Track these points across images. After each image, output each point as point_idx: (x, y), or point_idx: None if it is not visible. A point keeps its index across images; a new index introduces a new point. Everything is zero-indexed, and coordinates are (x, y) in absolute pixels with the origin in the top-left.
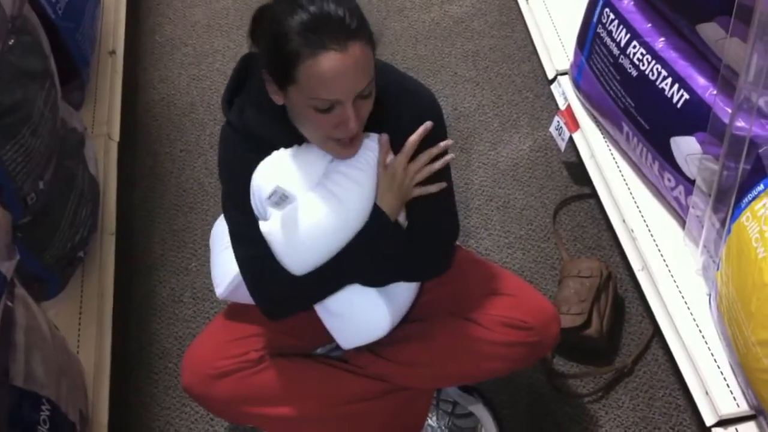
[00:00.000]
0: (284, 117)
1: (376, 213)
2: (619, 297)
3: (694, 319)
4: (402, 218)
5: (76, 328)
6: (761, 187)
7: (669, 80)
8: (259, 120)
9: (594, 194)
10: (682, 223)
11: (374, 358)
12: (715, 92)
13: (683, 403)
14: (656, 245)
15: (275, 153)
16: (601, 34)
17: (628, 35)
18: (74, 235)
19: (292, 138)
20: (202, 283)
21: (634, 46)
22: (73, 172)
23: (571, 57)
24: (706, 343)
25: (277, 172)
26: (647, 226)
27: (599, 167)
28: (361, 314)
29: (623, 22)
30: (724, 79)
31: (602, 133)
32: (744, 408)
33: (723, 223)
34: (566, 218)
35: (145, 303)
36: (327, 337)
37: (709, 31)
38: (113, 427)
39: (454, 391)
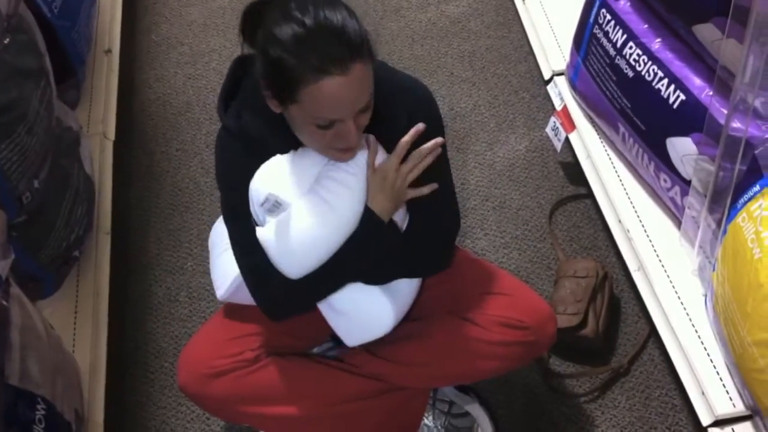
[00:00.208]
0: (282, 122)
1: (367, 215)
2: (615, 297)
3: (690, 320)
4: (400, 218)
5: (71, 328)
6: (757, 188)
7: (665, 81)
8: (256, 125)
9: (590, 194)
10: (678, 223)
11: (370, 357)
12: (711, 93)
13: (679, 403)
14: (652, 246)
15: (272, 159)
16: (598, 35)
17: (625, 36)
18: (69, 234)
19: (290, 142)
20: (198, 282)
21: (631, 47)
22: (69, 171)
23: (568, 57)
24: (702, 343)
25: (270, 178)
26: (643, 226)
27: (595, 168)
28: (364, 311)
29: (620, 22)
30: (720, 80)
31: (598, 134)
32: (740, 408)
33: (719, 223)
34: (562, 218)
35: (141, 302)
36: (323, 337)
37: (706, 32)
38: (109, 426)
39: (451, 390)
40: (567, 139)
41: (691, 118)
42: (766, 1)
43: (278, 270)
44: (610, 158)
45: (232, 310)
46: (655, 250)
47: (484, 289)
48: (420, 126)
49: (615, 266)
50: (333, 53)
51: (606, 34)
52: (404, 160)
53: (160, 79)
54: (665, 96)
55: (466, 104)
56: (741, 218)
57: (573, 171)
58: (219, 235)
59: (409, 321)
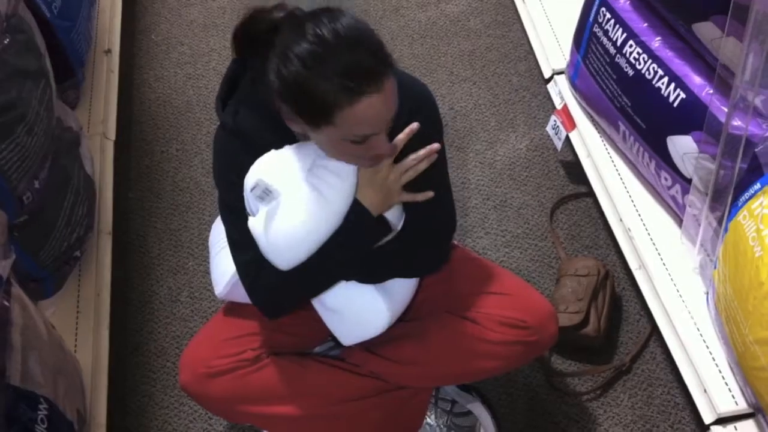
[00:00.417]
0: (278, 118)
1: (354, 207)
2: (617, 295)
3: (692, 318)
4: (396, 218)
5: (73, 328)
6: (758, 185)
7: (665, 79)
8: (252, 121)
9: (591, 193)
10: (679, 221)
11: (371, 356)
12: (711, 91)
13: (682, 401)
14: (653, 244)
15: (268, 153)
16: (598, 34)
17: (625, 34)
18: (70, 234)
19: (287, 138)
20: (199, 282)
21: (631, 46)
22: (69, 171)
23: (568, 56)
24: (704, 341)
25: (262, 167)
26: (644, 224)
27: (596, 166)
28: (359, 310)
29: (619, 21)
30: (720, 78)
31: (599, 133)
32: (742, 406)
33: (720, 221)
34: (563, 217)
35: (143, 302)
36: (324, 336)
37: (705, 31)
38: (111, 426)
39: (453, 389)
40: (567, 138)
41: (692, 117)
42: None
43: (271, 265)
44: (610, 157)
45: (232, 310)
46: (656, 249)
47: (485, 288)
48: (414, 125)
49: (616, 264)
50: (368, 74)
51: (606, 32)
52: (399, 158)
53: (160, 79)
54: (665, 94)
55: (467, 103)
56: (742, 216)
57: (574, 170)
58: (218, 233)
59: (410, 320)
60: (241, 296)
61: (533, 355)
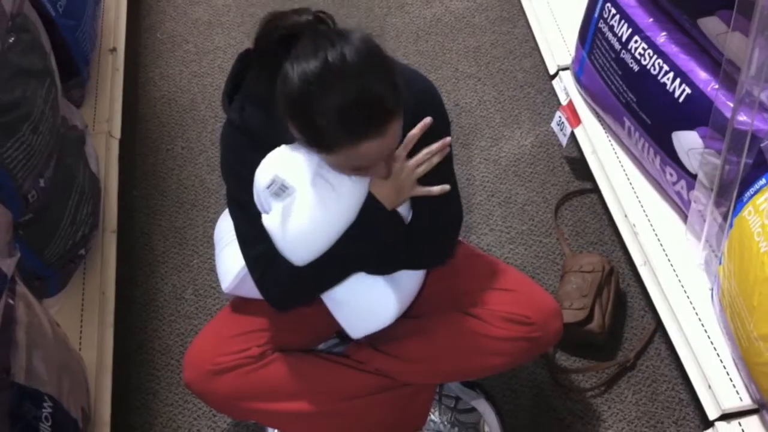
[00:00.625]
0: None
1: (369, 201)
2: (622, 292)
3: (697, 314)
4: (405, 211)
5: (78, 326)
6: (763, 181)
7: (670, 75)
8: (259, 118)
9: (596, 189)
10: (684, 217)
11: (375, 353)
12: (716, 86)
13: (686, 398)
14: (658, 240)
15: (277, 149)
16: (603, 29)
17: (630, 30)
18: (75, 232)
19: (293, 136)
20: (204, 279)
21: (636, 41)
22: (74, 169)
23: (573, 52)
24: (708, 337)
25: (275, 163)
26: (649, 220)
27: (601, 162)
28: (367, 301)
29: (624, 16)
30: (726, 73)
31: (604, 128)
32: (747, 402)
33: (725, 217)
34: (568, 213)
35: (147, 300)
36: (329, 333)
37: (711, 26)
38: (115, 423)
39: (457, 386)
40: (572, 134)
41: (697, 112)
42: None
43: (283, 260)
44: (615, 153)
45: (237, 307)
46: (661, 245)
47: (489, 284)
48: (427, 120)
49: (621, 261)
50: (372, 120)
51: (611, 28)
52: (411, 154)
53: (166, 77)
54: (671, 90)
55: (471, 100)
56: (747, 211)
57: (578, 166)
58: (223, 230)
59: (415, 317)
60: (248, 291)
61: (538, 352)
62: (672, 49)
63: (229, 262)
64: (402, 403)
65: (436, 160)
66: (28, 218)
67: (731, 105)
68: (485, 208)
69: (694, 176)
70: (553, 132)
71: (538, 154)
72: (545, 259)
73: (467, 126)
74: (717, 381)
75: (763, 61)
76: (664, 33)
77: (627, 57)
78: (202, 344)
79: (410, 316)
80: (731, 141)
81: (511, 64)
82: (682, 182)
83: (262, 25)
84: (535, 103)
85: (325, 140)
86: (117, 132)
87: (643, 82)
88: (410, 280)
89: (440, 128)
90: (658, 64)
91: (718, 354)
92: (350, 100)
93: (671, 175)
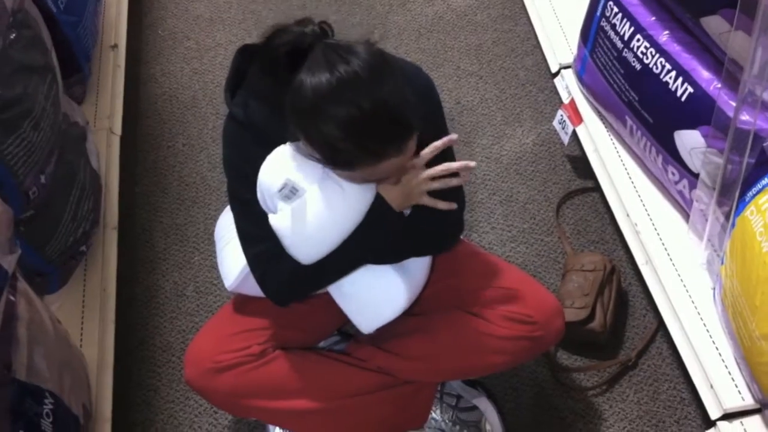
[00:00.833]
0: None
1: (378, 202)
2: (623, 291)
3: (699, 313)
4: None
5: (79, 322)
6: (765, 180)
7: (673, 73)
8: (263, 114)
9: (597, 188)
10: (686, 216)
11: (376, 351)
12: (719, 85)
13: (688, 397)
14: (660, 239)
15: (280, 148)
16: (605, 28)
17: (632, 28)
18: (76, 229)
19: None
20: (205, 276)
21: (638, 40)
22: (75, 166)
23: (575, 50)
24: (710, 336)
25: (284, 165)
26: (651, 219)
27: (603, 161)
28: (376, 291)
29: (627, 15)
30: (729, 72)
31: (606, 127)
32: (749, 401)
33: (727, 216)
34: (570, 212)
35: (148, 297)
36: (330, 331)
37: (713, 24)
38: (116, 420)
39: (458, 384)
40: (574, 133)
41: (699, 111)
42: None
43: (286, 257)
44: (617, 151)
45: (238, 305)
46: (663, 244)
47: (490, 283)
48: (453, 136)
49: (623, 260)
50: (393, 142)
51: (613, 26)
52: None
53: (167, 74)
54: (673, 89)
55: (473, 98)
56: (749, 211)
57: (580, 164)
58: (224, 227)
59: (417, 315)
60: (252, 289)
61: (539, 351)
62: (674, 48)
63: (232, 261)
64: (403, 401)
65: (454, 183)
66: (29, 215)
67: (734, 104)
68: (486, 206)
69: (697, 175)
70: (555, 130)
71: (539, 152)
72: (547, 258)
73: (469, 124)
74: (719, 380)
75: (766, 61)
76: (666, 32)
77: (629, 56)
78: (202, 342)
79: (412, 314)
80: (734, 140)
81: (513, 62)
82: (684, 181)
83: (265, 40)
84: (536, 101)
85: (343, 159)
86: (118, 128)
87: (645, 81)
88: (418, 268)
89: (440, 122)
90: (661, 62)
91: (720, 353)
92: (374, 125)
93: (673, 174)
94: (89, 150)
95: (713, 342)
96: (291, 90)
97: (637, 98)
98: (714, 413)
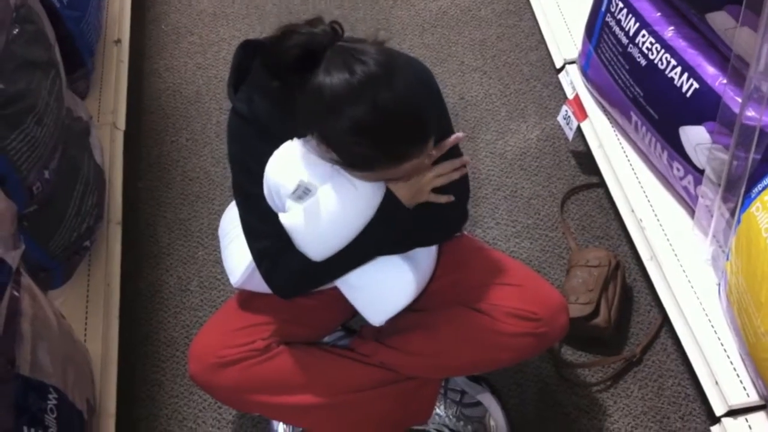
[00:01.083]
0: (293, 106)
1: (389, 198)
2: (628, 286)
3: (704, 309)
4: None
5: (83, 318)
6: None
7: (678, 69)
8: (267, 109)
9: (602, 184)
10: (691, 212)
11: (381, 347)
12: (724, 81)
13: (692, 393)
14: (665, 235)
15: (286, 144)
16: (610, 23)
17: (637, 24)
18: (80, 224)
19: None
20: (209, 271)
21: (643, 35)
22: (79, 161)
23: (579, 46)
24: (715, 332)
25: (295, 165)
26: (656, 215)
27: (607, 157)
28: (385, 281)
29: (632, 10)
30: (734, 68)
31: (610, 123)
32: (754, 398)
33: (732, 213)
34: (574, 207)
35: (152, 292)
36: (334, 326)
37: (719, 20)
38: (121, 415)
39: (462, 380)
40: (579, 128)
41: (705, 107)
42: None
43: (293, 252)
44: (622, 147)
45: (242, 300)
46: (667, 240)
47: (495, 279)
48: (460, 135)
49: (627, 255)
50: (414, 146)
51: (618, 22)
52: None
53: (170, 69)
54: (678, 84)
55: (477, 93)
56: (755, 208)
57: (585, 160)
58: (229, 222)
59: (420, 311)
60: (258, 285)
61: (544, 347)
62: (680, 44)
63: (238, 257)
64: (407, 396)
65: (456, 176)
66: (33, 210)
67: (739, 100)
68: (491, 201)
69: (702, 171)
70: (560, 126)
71: (544, 147)
72: (551, 254)
73: (473, 119)
74: (724, 376)
75: None
76: (671, 27)
77: (634, 51)
78: (206, 337)
79: (416, 310)
80: (739, 136)
81: (517, 57)
82: (690, 177)
83: (275, 41)
84: (541, 96)
85: (365, 162)
86: (122, 123)
87: (650, 77)
88: (424, 256)
89: (441, 114)
90: (666, 58)
91: (725, 349)
92: (396, 127)
93: (678, 170)
94: (93, 145)
95: (718, 338)
96: (307, 92)
97: (642, 94)
98: (719, 409)
